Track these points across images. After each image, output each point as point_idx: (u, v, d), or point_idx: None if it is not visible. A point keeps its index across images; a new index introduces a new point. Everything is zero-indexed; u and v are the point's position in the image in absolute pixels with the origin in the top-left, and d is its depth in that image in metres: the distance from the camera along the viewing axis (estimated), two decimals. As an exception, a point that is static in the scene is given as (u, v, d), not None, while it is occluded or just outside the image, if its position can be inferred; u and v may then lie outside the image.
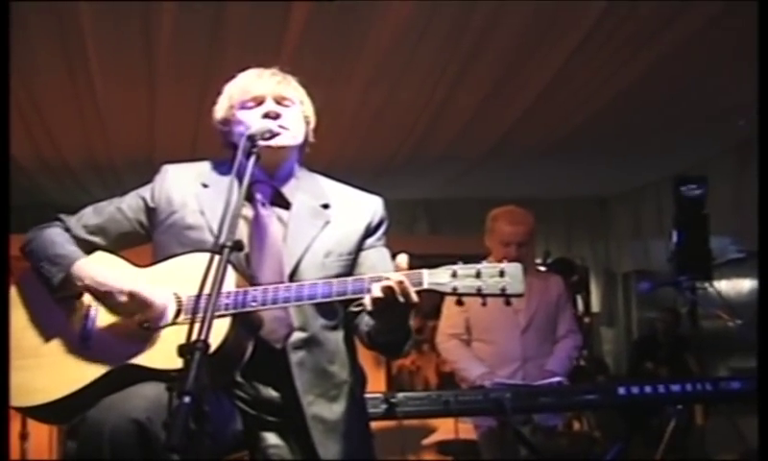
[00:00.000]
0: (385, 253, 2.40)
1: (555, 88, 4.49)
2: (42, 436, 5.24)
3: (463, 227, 7.05)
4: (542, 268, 6.33)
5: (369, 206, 2.42)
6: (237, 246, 1.86)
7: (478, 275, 1.96)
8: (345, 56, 4.01)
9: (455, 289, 1.96)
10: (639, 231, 7.18)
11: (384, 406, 3.39)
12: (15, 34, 3.68)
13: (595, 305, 7.66)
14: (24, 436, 5.24)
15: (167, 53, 3.96)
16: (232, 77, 2.40)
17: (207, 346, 1.65)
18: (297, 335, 2.21)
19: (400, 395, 3.45)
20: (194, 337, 1.66)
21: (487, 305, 2.00)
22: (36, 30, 3.71)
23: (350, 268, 2.32)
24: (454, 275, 1.97)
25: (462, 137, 5.35)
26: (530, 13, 3.63)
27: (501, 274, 1.96)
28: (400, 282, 1.95)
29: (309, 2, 3.45)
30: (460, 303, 1.97)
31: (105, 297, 2.14)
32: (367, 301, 2.00)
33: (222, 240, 1.83)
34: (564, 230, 7.36)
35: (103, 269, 2.20)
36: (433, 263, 2.01)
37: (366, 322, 2.25)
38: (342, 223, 2.34)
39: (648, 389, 3.60)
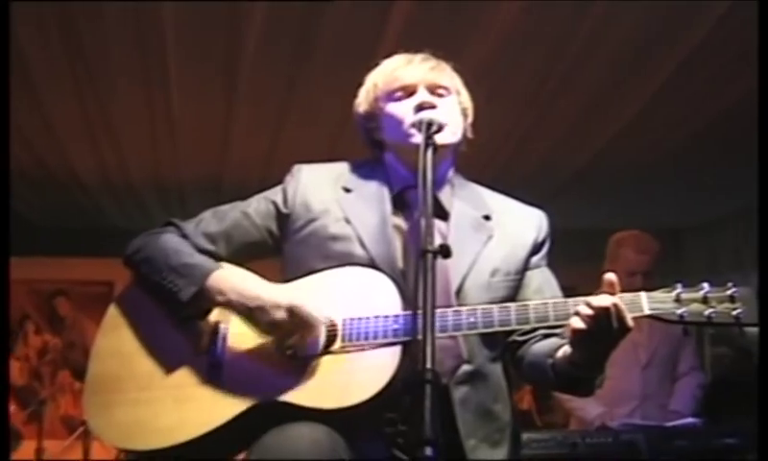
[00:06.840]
0: (549, 274, 2.12)
1: (636, 123, 4.31)
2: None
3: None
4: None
5: (534, 220, 2.13)
6: (444, 251, 1.57)
7: (705, 300, 1.70)
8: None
9: (682, 317, 1.70)
10: (715, 265, 6.85)
11: (506, 448, 3.08)
12: (96, 53, 3.52)
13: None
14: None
15: (248, 74, 3.78)
16: (376, 64, 2.13)
17: (439, 378, 1.36)
18: (461, 368, 1.91)
19: (524, 436, 3.13)
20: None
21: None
22: (118, 50, 3.54)
23: (516, 290, 2.02)
24: (678, 299, 1.71)
25: (540, 170, 5.18)
26: (619, 46, 3.48)
27: (732, 299, 1.69)
28: (616, 305, 1.67)
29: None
30: (686, 332, 1.70)
31: (255, 313, 1.83)
32: (575, 322, 1.71)
33: (422, 245, 1.55)
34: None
35: (247, 280, 1.91)
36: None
37: (546, 352, 1.94)
38: (506, 237, 2.04)
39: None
